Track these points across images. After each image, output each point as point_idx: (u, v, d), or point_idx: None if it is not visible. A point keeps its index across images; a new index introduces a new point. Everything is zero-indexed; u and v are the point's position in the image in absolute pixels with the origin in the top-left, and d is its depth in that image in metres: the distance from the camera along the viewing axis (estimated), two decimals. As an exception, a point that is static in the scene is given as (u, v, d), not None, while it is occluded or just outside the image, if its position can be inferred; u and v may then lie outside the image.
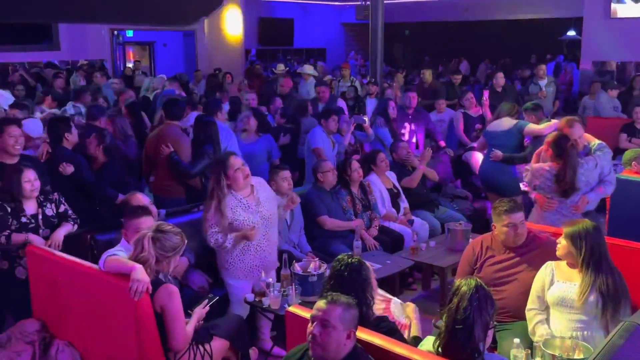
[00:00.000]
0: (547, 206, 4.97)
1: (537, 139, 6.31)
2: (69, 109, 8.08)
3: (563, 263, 3.65)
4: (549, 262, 3.70)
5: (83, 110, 7.84)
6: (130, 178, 5.84)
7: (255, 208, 4.45)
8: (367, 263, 3.44)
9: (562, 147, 4.91)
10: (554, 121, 6.35)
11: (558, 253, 3.64)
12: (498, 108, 6.91)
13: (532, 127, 6.43)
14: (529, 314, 3.67)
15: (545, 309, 3.64)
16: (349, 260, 3.32)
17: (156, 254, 3.47)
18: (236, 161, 4.41)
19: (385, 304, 3.70)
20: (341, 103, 9.07)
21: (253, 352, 4.18)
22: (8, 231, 4.24)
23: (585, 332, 3.45)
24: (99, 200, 5.35)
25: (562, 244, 3.60)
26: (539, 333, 3.54)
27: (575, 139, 5.00)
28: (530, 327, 3.63)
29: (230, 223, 4.36)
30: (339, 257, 3.39)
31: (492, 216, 4.04)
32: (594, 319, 3.47)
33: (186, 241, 3.64)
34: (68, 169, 5.15)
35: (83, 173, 5.28)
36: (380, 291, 3.78)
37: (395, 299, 3.77)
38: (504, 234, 3.95)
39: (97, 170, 5.48)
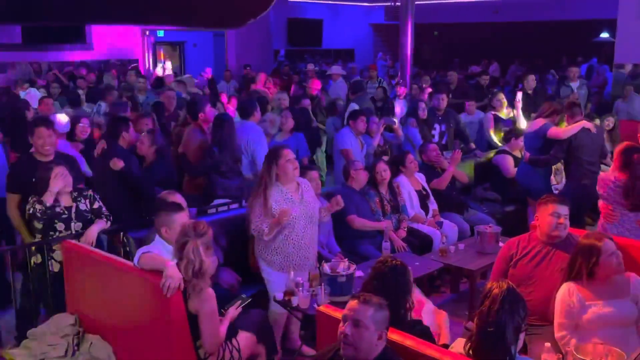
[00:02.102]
0: (609, 217, 4.82)
1: (559, 142, 6.25)
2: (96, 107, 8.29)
3: (583, 283, 3.53)
4: (566, 285, 3.56)
5: (103, 108, 8.03)
6: (177, 177, 5.91)
7: (299, 204, 4.50)
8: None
9: (629, 158, 4.75)
10: (578, 124, 6.25)
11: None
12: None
13: (553, 130, 6.36)
14: (562, 341, 3.52)
15: (576, 327, 3.52)
16: (393, 262, 3.34)
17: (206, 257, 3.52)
18: (289, 153, 4.52)
19: (418, 304, 3.69)
20: None
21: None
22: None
23: (628, 341, 3.38)
24: (145, 199, 5.38)
25: None
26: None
27: None
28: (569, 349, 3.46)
29: (273, 215, 4.41)
30: (382, 258, 3.42)
31: (538, 209, 3.98)
32: (633, 329, 3.44)
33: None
34: (119, 164, 5.21)
35: (133, 171, 5.34)
36: (417, 291, 3.78)
37: (429, 304, 3.75)
38: (548, 224, 3.90)
39: (146, 168, 5.56)
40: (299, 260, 4.51)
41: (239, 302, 3.81)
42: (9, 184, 4.89)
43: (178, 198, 4.52)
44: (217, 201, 5.65)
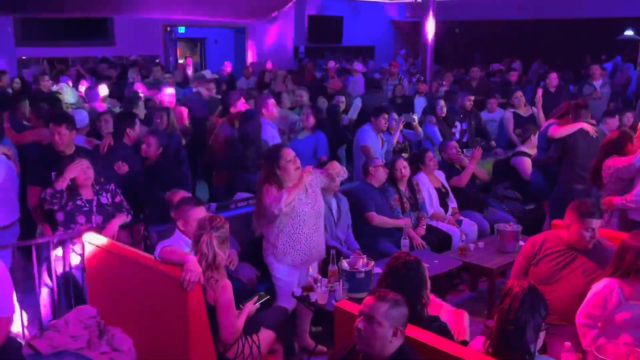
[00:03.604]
0: None
1: (556, 142, 6.19)
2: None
3: (628, 281, 3.46)
4: (608, 280, 3.50)
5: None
6: (181, 173, 5.89)
7: (305, 199, 4.51)
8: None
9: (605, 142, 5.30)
10: (575, 125, 6.18)
11: None
12: None
13: (551, 129, 6.29)
14: (582, 329, 3.51)
15: (604, 322, 3.49)
16: (407, 257, 3.33)
17: (220, 250, 3.55)
18: (288, 153, 4.51)
19: (435, 306, 3.68)
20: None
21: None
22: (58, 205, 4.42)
23: None
24: (145, 199, 5.37)
25: None
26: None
27: None
28: (585, 341, 3.47)
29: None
30: (396, 254, 3.41)
31: (572, 214, 3.85)
32: None
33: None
34: (123, 168, 5.24)
35: (136, 174, 5.35)
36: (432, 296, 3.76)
37: (446, 306, 3.74)
38: (580, 235, 3.81)
39: (148, 167, 5.53)
40: (309, 255, 4.54)
41: (257, 298, 3.83)
42: (30, 176, 4.96)
43: (182, 196, 4.54)
44: (239, 195, 5.67)
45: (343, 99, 8.53)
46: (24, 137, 6.18)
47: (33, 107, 6.84)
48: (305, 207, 4.50)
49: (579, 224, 3.82)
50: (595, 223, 3.80)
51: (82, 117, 6.50)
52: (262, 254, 4.67)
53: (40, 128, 6.26)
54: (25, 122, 6.87)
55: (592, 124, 6.23)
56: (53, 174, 4.74)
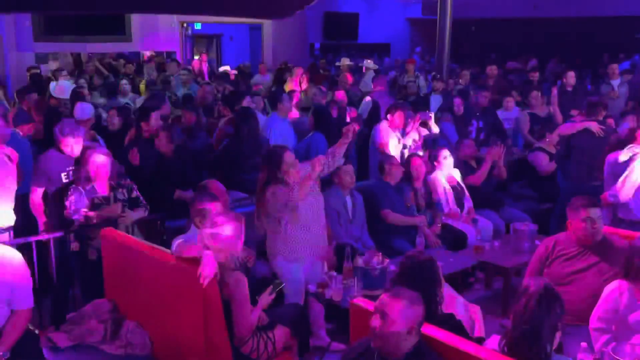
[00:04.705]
0: None
1: (563, 139, 6.20)
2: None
3: (638, 285, 3.42)
4: (618, 283, 3.49)
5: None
6: (197, 176, 5.79)
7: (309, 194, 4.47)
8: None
9: None
10: (581, 124, 6.15)
11: None
12: None
13: (560, 127, 6.42)
14: (595, 333, 3.51)
15: (617, 325, 3.46)
16: (420, 256, 3.33)
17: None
18: (289, 157, 4.43)
19: (449, 298, 3.68)
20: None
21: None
22: (84, 210, 4.43)
23: None
24: (157, 195, 5.35)
25: None
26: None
27: None
28: (597, 346, 3.45)
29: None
30: (409, 253, 3.41)
31: (569, 213, 3.93)
32: None
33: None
34: (135, 158, 5.32)
35: (147, 167, 5.43)
36: (447, 287, 3.76)
37: (460, 298, 3.74)
38: (581, 229, 3.84)
39: (160, 162, 5.58)
40: (315, 248, 4.53)
41: (271, 287, 3.83)
42: (37, 178, 4.89)
43: (216, 187, 4.56)
44: (232, 194, 5.63)
45: (342, 94, 8.45)
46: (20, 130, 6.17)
47: (38, 103, 6.84)
48: (309, 199, 4.46)
49: (576, 217, 3.87)
50: (591, 212, 3.81)
51: (85, 110, 6.50)
52: (268, 257, 4.66)
53: (36, 124, 6.30)
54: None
55: (600, 123, 6.21)
56: (62, 174, 4.78)
